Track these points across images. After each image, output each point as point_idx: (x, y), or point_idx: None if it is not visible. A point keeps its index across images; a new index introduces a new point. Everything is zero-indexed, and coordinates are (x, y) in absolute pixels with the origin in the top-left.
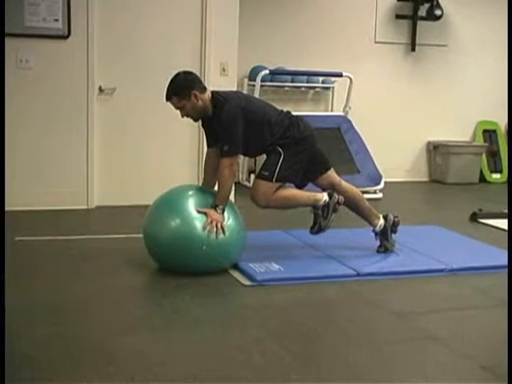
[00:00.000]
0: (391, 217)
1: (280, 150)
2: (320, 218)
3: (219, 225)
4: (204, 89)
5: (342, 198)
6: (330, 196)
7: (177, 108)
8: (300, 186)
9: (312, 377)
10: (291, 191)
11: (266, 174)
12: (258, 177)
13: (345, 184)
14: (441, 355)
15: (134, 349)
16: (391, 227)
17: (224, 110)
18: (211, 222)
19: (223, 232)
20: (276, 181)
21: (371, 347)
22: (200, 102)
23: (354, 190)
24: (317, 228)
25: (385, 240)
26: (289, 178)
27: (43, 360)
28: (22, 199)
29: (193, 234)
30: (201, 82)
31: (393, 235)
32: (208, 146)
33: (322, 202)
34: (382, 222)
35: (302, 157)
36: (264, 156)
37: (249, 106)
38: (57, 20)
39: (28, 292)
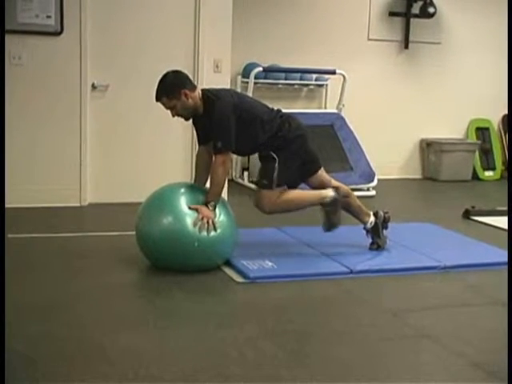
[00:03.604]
0: (381, 213)
1: (274, 155)
2: (330, 215)
3: (210, 221)
4: (194, 87)
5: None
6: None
7: (167, 108)
8: (294, 186)
9: (304, 374)
10: (295, 193)
11: (266, 182)
12: (258, 186)
13: (334, 182)
14: (433, 352)
15: (127, 346)
16: (382, 223)
17: (216, 107)
18: (202, 219)
19: (214, 228)
20: (276, 186)
21: (363, 344)
22: (190, 101)
23: (344, 188)
24: (329, 225)
25: (376, 237)
26: (287, 180)
27: (37, 358)
28: (14, 196)
29: (185, 230)
30: (190, 80)
31: (384, 231)
32: (199, 144)
33: (328, 199)
34: (372, 219)
35: (296, 157)
36: (255, 155)
37: (240, 104)
38: (49, 16)
39: (20, 290)
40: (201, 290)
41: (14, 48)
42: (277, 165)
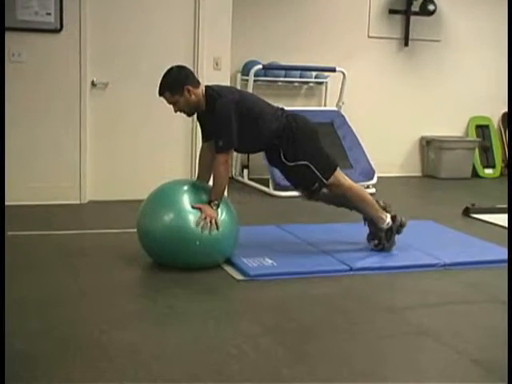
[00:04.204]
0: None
1: (303, 163)
2: (383, 240)
3: (213, 221)
4: (197, 83)
5: (405, 219)
6: (394, 219)
7: (170, 103)
8: (336, 164)
9: (304, 372)
10: (365, 192)
11: (317, 185)
12: (314, 192)
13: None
14: (433, 350)
15: (127, 344)
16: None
17: (217, 105)
18: (205, 218)
19: (217, 227)
20: (328, 179)
21: (363, 342)
22: (193, 97)
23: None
24: (380, 248)
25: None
26: (328, 162)
27: (36, 356)
28: (14, 194)
29: (187, 228)
30: (194, 76)
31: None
32: (203, 140)
33: (385, 226)
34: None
35: (315, 143)
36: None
37: (243, 101)
38: (49, 14)
39: (20, 287)
40: (201, 287)
41: (13, 45)
42: (310, 165)
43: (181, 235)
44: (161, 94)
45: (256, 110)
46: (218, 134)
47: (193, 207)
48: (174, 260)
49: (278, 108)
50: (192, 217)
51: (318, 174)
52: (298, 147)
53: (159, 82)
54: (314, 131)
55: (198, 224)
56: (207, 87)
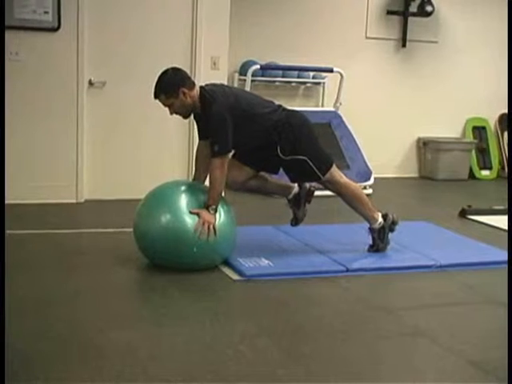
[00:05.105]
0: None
1: (301, 158)
2: (377, 241)
3: (211, 226)
4: (193, 85)
5: (396, 216)
6: (385, 218)
7: (165, 106)
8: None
9: (300, 372)
10: (360, 191)
11: (314, 179)
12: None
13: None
14: (429, 351)
15: (123, 344)
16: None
17: (212, 111)
18: (203, 224)
19: (215, 233)
20: (324, 174)
21: (359, 343)
22: (189, 100)
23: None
24: (374, 249)
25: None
26: (325, 158)
27: (35, 356)
28: (10, 193)
29: (184, 230)
30: (189, 78)
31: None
32: (199, 138)
33: (377, 225)
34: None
35: (312, 136)
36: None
37: (238, 104)
38: (47, 12)
39: (16, 287)
40: (197, 287)
41: (11, 44)
42: (307, 161)
43: (178, 237)
44: (156, 96)
45: (251, 111)
46: (213, 139)
47: (191, 212)
48: (170, 261)
49: (275, 104)
50: (189, 218)
51: (315, 169)
52: (296, 142)
53: (154, 84)
54: (311, 127)
55: (196, 230)
56: (201, 88)
